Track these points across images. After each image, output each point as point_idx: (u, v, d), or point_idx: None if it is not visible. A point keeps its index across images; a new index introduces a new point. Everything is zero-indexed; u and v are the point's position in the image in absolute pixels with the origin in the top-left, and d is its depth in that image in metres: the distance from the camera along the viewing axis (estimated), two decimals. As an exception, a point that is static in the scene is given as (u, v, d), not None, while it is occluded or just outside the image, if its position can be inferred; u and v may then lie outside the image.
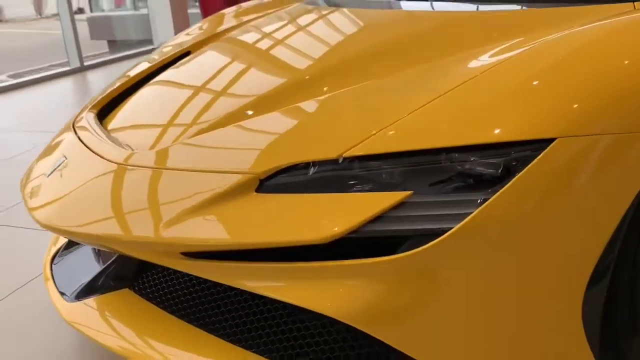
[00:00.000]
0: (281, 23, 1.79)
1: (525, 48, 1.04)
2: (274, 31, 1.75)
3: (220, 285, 1.04)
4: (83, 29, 7.61)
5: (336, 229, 0.88)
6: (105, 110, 1.57)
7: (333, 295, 0.89)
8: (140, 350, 1.12)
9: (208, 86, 1.47)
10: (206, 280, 1.07)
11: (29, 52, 9.24)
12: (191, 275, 1.09)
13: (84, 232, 1.11)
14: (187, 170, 1.09)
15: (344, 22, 1.67)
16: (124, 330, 1.16)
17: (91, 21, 8.09)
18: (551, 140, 0.87)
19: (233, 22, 1.99)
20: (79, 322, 1.22)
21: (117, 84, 1.68)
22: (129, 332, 1.15)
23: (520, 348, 0.95)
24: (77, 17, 6.33)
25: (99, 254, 1.32)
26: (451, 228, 0.84)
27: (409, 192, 0.89)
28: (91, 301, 1.23)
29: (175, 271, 1.14)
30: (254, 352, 1.00)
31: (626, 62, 0.97)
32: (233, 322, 1.04)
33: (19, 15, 17.63)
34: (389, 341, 0.89)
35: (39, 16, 18.26)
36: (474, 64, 1.07)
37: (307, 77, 1.33)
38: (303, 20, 1.74)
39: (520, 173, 0.86)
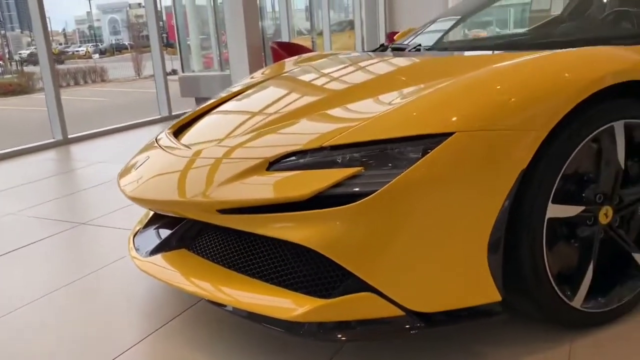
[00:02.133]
0: (323, 65, 2.40)
1: (450, 81, 1.51)
2: (318, 70, 2.34)
3: (244, 239, 1.53)
4: (175, 87, 8.69)
5: (312, 189, 1.35)
6: (181, 129, 2.17)
7: (314, 233, 1.35)
8: (187, 285, 1.61)
9: (255, 109, 2.03)
10: (235, 237, 1.56)
11: (129, 107, 10.52)
12: (225, 235, 1.60)
13: (154, 199, 1.65)
14: (223, 158, 1.61)
15: (359, 66, 2.21)
16: (178, 275, 1.67)
17: (182, 81, 9.16)
18: (452, 133, 1.31)
19: (291, 67, 2.60)
20: (149, 271, 1.74)
21: (190, 113, 2.28)
22: (180, 277, 1.65)
23: (442, 272, 1.36)
24: (170, 77, 7.31)
25: (161, 229, 1.85)
26: (380, 189, 1.30)
27: (360, 168, 1.35)
28: (158, 257, 1.76)
29: (215, 235, 1.65)
30: (278, 285, 1.45)
31: (519, 82, 1.41)
32: (254, 265, 1.52)
33: (121, 76, 19.77)
34: (346, 265, 1.33)
35: (137, 77, 20.36)
36: (414, 90, 1.56)
37: (318, 100, 1.85)
38: (338, 65, 2.34)
39: (428, 154, 1.30)
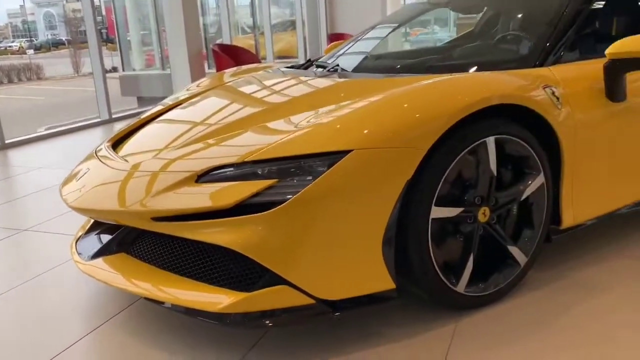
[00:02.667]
0: (255, 81, 2.63)
1: (354, 104, 1.79)
2: (250, 85, 2.57)
3: (177, 243, 1.75)
4: (116, 85, 8.63)
5: (234, 199, 1.58)
6: (119, 141, 2.35)
7: (236, 237, 1.58)
8: (128, 286, 1.80)
9: (188, 123, 2.23)
10: (169, 241, 1.77)
11: (66, 107, 10.33)
12: (160, 239, 1.80)
13: (94, 209, 1.84)
14: (157, 171, 1.82)
15: (286, 84, 2.46)
16: (119, 277, 1.86)
17: (122, 80, 9.09)
18: (351, 150, 1.58)
19: (229, 78, 2.83)
20: (91, 274, 1.92)
21: (128, 125, 2.46)
22: (122, 278, 1.84)
23: (345, 266, 1.62)
24: (111, 75, 7.29)
25: (102, 234, 2.04)
26: (291, 197, 1.55)
27: (275, 180, 1.60)
28: (100, 261, 1.94)
29: (151, 240, 1.85)
30: (207, 282, 1.68)
31: (406, 107, 1.70)
32: (186, 266, 1.73)
33: (59, 73, 19.17)
34: (264, 263, 1.57)
35: (76, 74, 19.81)
36: (326, 111, 1.82)
37: (246, 117, 2.09)
38: (269, 80, 2.59)
39: (331, 168, 1.56)
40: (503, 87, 1.83)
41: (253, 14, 13.52)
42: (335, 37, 9.34)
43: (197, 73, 7.53)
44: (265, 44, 11.11)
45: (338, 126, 1.70)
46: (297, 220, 1.57)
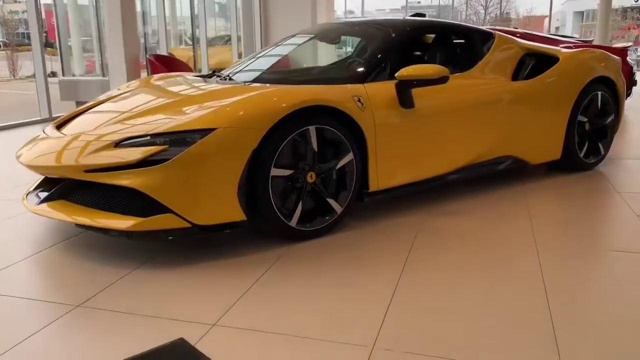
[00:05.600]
0: (167, 84, 3.53)
1: (226, 101, 2.73)
2: (163, 87, 3.47)
3: (101, 188, 2.61)
4: (54, 90, 9.12)
5: (138, 157, 2.48)
6: (63, 124, 3.18)
7: (140, 182, 2.47)
8: (64, 217, 2.64)
9: (117, 110, 3.10)
10: (96, 188, 2.63)
11: (3, 110, 10.69)
12: (90, 188, 2.66)
13: (42, 165, 2.70)
14: (90, 141, 2.69)
15: (187, 87, 3.38)
16: (61, 215, 2.69)
17: (62, 84, 9.53)
18: (216, 128, 2.51)
19: (153, 82, 3.74)
20: (39, 213, 2.74)
21: (70, 113, 3.30)
22: (60, 213, 2.68)
23: (212, 203, 2.54)
24: (49, 79, 7.81)
25: (46, 188, 2.86)
26: (172, 158, 2.46)
27: (167, 146, 2.50)
28: (45, 205, 2.76)
29: (84, 188, 2.69)
30: (120, 213, 2.54)
31: (254, 104, 2.66)
32: (108, 203, 2.59)
33: (-7, 76, 19.03)
34: (157, 198, 2.46)
35: (12, 78, 19.71)
36: (209, 104, 2.77)
37: (155, 107, 2.98)
38: (178, 85, 3.49)
39: (203, 139, 2.49)
40: (319, 95, 2.82)
41: (192, 26, 14.09)
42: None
43: (133, 79, 8.26)
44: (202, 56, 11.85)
45: (210, 114, 2.64)
46: (180, 171, 2.48)
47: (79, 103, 9.44)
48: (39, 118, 7.16)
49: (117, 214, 2.56)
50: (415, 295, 2.26)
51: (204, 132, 2.53)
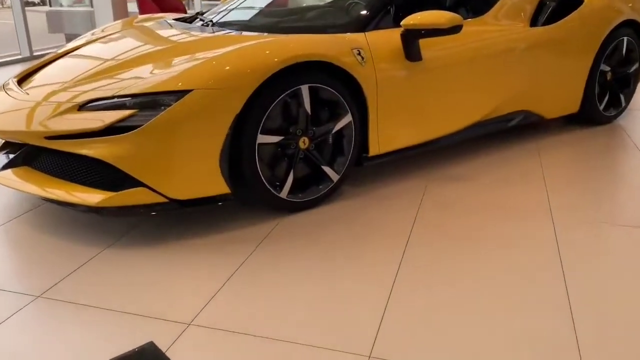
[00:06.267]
0: (155, 27, 3.15)
1: (207, 54, 2.37)
2: (151, 30, 3.10)
3: (67, 157, 2.30)
4: (44, 21, 8.56)
5: (105, 123, 2.16)
6: (26, 77, 2.83)
7: (107, 151, 2.16)
8: (29, 189, 2.35)
9: (92, 62, 2.74)
10: (60, 156, 2.32)
11: (-14, 39, 10.15)
12: (54, 155, 2.35)
13: (4, 130, 2.37)
14: (52, 102, 2.35)
15: (172, 31, 2.99)
16: (22, 183, 2.40)
17: (49, 15, 9.03)
18: (191, 90, 2.17)
19: (135, 24, 3.36)
20: (1, 182, 2.45)
21: (33, 65, 2.93)
22: (25, 183, 2.39)
23: (190, 175, 2.25)
24: (37, 8, 7.29)
25: (9, 153, 2.55)
26: (143, 124, 2.14)
27: (136, 110, 2.17)
28: (8, 172, 2.47)
29: (48, 155, 2.39)
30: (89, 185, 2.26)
31: (237, 60, 2.30)
32: (75, 174, 2.30)
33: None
34: (128, 171, 2.17)
35: (1, 5, 18.86)
36: (186, 58, 2.41)
37: (128, 60, 2.62)
38: (158, 30, 3.11)
39: (177, 103, 2.16)
40: (314, 48, 2.45)
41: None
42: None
43: (119, 13, 7.74)
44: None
45: (186, 72, 2.29)
46: (151, 139, 2.17)
47: (69, 36, 8.93)
48: (19, 56, 6.70)
49: (85, 186, 2.27)
50: (413, 302, 2.01)
51: (179, 94, 2.19)
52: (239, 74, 2.25)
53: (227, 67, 2.27)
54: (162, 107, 2.18)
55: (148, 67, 2.48)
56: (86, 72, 2.60)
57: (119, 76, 2.46)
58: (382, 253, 2.22)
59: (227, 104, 2.23)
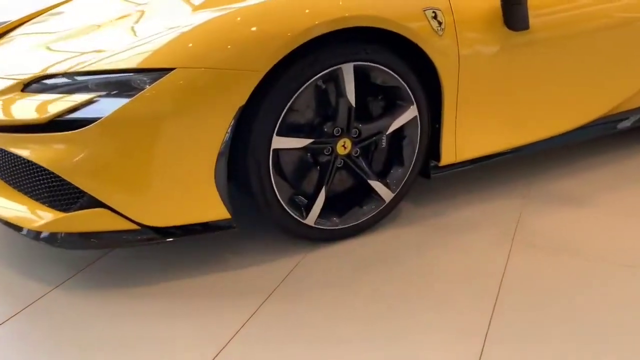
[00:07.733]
0: None
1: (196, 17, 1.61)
2: None
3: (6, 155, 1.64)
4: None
5: (49, 114, 1.47)
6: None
7: (49, 154, 1.49)
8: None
9: (59, 26, 2.06)
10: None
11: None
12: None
13: None
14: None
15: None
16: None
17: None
18: (173, 69, 1.43)
19: None
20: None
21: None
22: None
23: (172, 193, 1.54)
24: None
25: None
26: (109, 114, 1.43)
27: (94, 95, 1.47)
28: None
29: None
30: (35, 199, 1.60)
31: (240, 24, 1.52)
32: (14, 178, 1.65)
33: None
34: (77, 183, 1.48)
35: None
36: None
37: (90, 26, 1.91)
38: None
39: (150, 86, 1.42)
40: (369, 7, 1.62)
41: None
42: None
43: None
44: None
45: (165, 42, 1.52)
46: (115, 138, 1.46)
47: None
48: None
49: (32, 199, 1.61)
50: None
51: (155, 73, 1.45)
52: (247, 47, 1.46)
53: (226, 37, 1.49)
54: (131, 93, 1.45)
55: (122, 32, 1.76)
56: (42, 40, 1.89)
57: (79, 45, 1.75)
58: (459, 316, 1.44)
59: (226, 90, 1.46)
